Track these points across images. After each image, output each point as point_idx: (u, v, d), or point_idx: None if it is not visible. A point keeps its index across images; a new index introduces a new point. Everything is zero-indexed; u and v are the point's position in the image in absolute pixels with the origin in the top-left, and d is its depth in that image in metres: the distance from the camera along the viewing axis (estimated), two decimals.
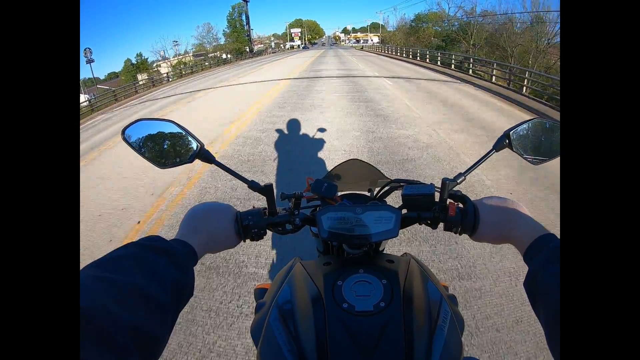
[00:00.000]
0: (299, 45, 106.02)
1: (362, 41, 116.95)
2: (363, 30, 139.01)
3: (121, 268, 0.38)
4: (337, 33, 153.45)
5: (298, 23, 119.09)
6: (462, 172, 0.61)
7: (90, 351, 0.28)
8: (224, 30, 54.92)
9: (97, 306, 0.31)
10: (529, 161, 0.63)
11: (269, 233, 0.63)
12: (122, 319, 0.32)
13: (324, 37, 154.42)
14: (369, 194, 0.84)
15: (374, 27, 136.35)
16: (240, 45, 53.67)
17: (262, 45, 65.43)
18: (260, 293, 0.74)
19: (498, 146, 0.62)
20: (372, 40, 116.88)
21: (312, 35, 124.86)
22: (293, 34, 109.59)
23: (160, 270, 0.41)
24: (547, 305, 0.39)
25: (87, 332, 0.29)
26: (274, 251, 2.53)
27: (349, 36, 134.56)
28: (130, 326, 0.32)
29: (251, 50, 52.52)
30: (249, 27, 55.65)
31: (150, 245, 0.43)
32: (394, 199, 0.84)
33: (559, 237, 0.44)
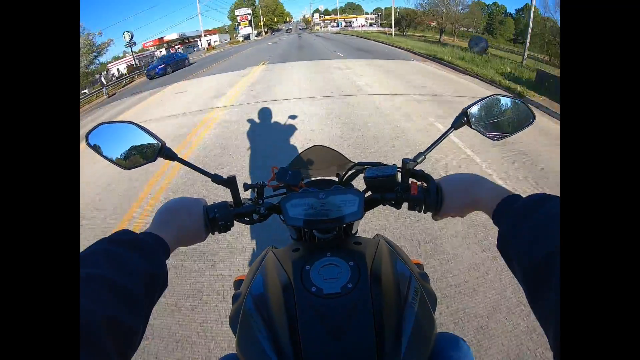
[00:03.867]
0: (248, 36, 65.12)
1: (343, 23, 77.85)
2: (335, 12, 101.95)
3: (92, 263, 0.38)
4: (307, 15, 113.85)
5: (249, 0, 76.87)
6: (422, 151, 0.62)
7: None
8: None
9: None
10: (488, 138, 0.64)
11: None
12: (92, 311, 0.32)
13: (290, 21, 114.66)
14: (337, 179, 0.83)
15: (351, 9, 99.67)
16: None
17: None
18: (238, 284, 0.75)
19: (457, 124, 0.63)
20: (357, 21, 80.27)
21: (270, 18, 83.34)
22: (239, 18, 67.97)
23: (131, 263, 0.41)
24: (523, 263, 0.39)
25: None
26: None
27: (323, 18, 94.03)
28: (102, 317, 0.32)
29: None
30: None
31: (120, 240, 0.44)
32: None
33: (523, 196, 0.47)
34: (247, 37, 63.05)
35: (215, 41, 58.06)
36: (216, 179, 0.62)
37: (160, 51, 40.77)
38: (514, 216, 0.44)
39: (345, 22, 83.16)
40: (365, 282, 0.52)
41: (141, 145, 0.61)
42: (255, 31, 72.60)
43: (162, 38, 44.18)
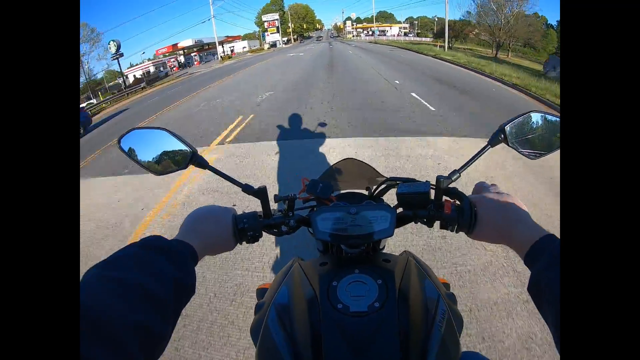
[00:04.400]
0: (275, 43, 60.46)
1: (376, 33, 71.76)
2: (368, 20, 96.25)
3: (123, 267, 0.39)
4: (339, 23, 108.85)
5: (277, 5, 72.47)
6: (457, 169, 0.61)
7: (92, 347, 0.28)
8: None
9: (99, 303, 0.32)
10: (525, 156, 0.62)
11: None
12: (124, 316, 0.33)
13: (322, 29, 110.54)
14: (367, 193, 0.82)
15: (383, 17, 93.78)
16: None
17: None
18: (261, 293, 0.75)
19: (493, 141, 0.61)
20: (391, 30, 74.61)
21: (299, 25, 78.58)
22: (266, 24, 63.57)
23: (161, 269, 0.42)
24: (555, 309, 0.37)
25: (89, 329, 0.29)
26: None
27: (356, 26, 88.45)
28: (132, 323, 0.33)
29: None
30: None
31: (151, 245, 0.45)
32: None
33: (558, 237, 0.45)
34: (273, 45, 58.48)
35: (244, 47, 53.86)
36: (247, 189, 0.62)
37: (172, 60, 36.22)
38: (548, 260, 0.42)
39: (379, 30, 77.43)
40: (392, 302, 0.50)
41: (173, 151, 0.62)
42: (285, 38, 68.08)
43: (176, 44, 39.74)
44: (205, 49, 43.16)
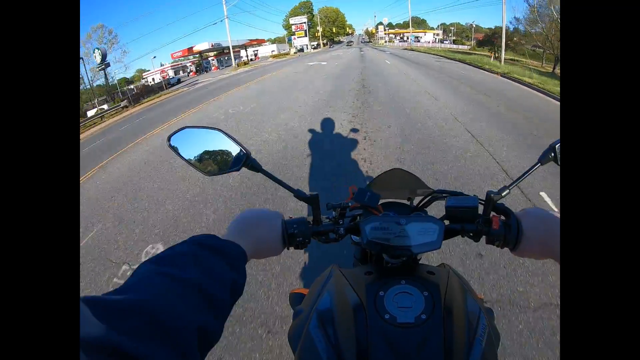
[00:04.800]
0: (302, 48, 57.10)
1: (411, 39, 66.75)
2: (400, 26, 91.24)
3: (181, 265, 0.39)
4: (370, 28, 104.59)
5: (305, 7, 69.27)
6: (507, 185, 0.62)
7: (154, 348, 0.28)
8: None
9: (160, 301, 0.33)
10: None
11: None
12: (188, 319, 0.33)
13: (352, 33, 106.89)
14: (408, 203, 0.83)
15: (415, 23, 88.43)
16: None
17: None
18: (295, 298, 0.75)
19: (544, 159, 0.61)
20: (425, 36, 69.83)
21: (329, 29, 74.94)
22: (294, 27, 60.42)
23: (220, 271, 0.42)
24: None
25: (152, 329, 0.30)
26: None
27: (388, 31, 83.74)
28: (195, 325, 0.34)
29: None
30: None
31: (207, 245, 0.45)
32: (433, 209, 0.75)
33: None
34: (300, 50, 55.14)
35: (272, 51, 50.89)
36: (299, 194, 0.63)
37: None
38: None
39: (413, 36, 72.67)
40: (438, 315, 0.50)
41: (225, 152, 0.61)
42: (314, 43, 64.69)
43: (191, 48, 37.00)
44: (225, 53, 40.25)
